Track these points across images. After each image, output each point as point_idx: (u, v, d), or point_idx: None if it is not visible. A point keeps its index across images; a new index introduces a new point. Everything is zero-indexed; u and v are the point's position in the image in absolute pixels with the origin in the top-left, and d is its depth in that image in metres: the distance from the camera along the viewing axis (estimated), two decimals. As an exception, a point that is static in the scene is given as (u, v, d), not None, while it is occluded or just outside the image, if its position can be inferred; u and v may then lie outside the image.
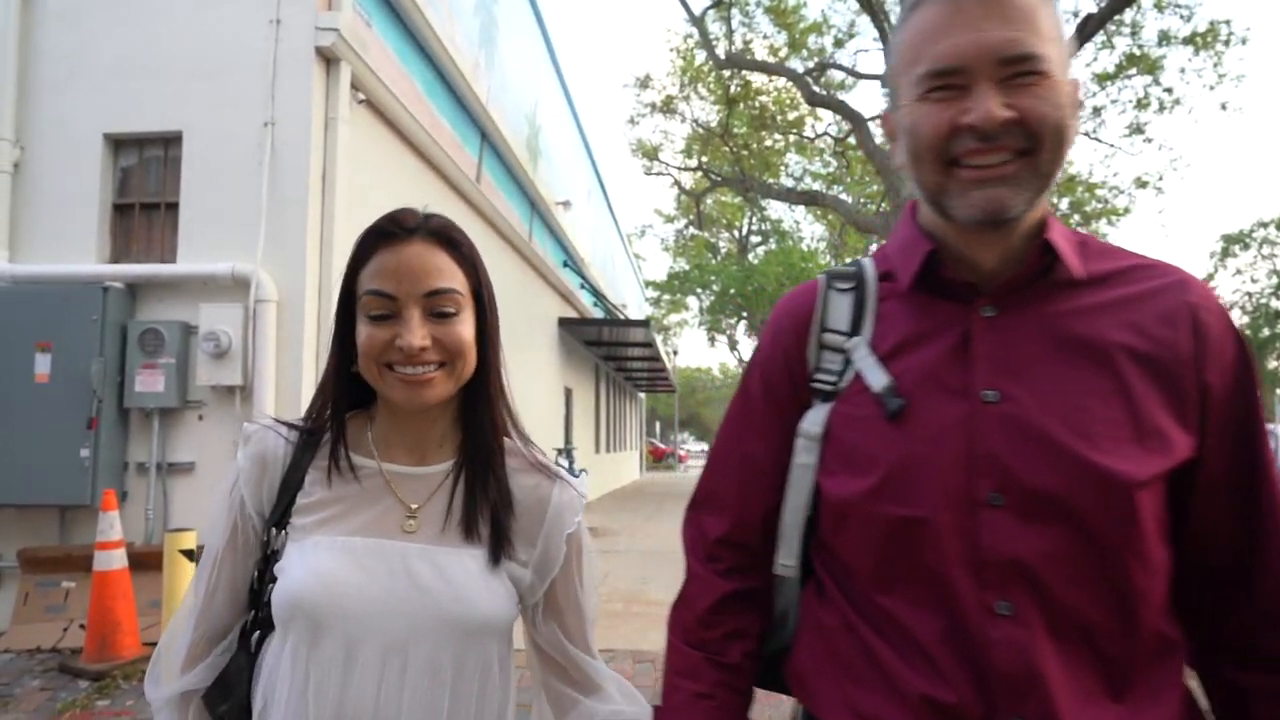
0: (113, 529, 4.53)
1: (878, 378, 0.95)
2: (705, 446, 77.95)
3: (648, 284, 31.08)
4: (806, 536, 1.05)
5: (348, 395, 1.10)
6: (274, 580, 1.02)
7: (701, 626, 1.07)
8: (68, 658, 4.55)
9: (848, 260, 1.11)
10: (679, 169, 23.33)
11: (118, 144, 5.69)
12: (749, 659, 1.08)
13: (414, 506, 1.07)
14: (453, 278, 1.04)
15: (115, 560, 4.49)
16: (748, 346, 32.64)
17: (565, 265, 14.54)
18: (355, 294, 1.04)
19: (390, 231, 1.03)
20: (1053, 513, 0.85)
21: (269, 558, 1.05)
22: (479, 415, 1.12)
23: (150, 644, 4.59)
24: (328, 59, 5.62)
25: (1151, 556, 0.86)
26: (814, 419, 1.01)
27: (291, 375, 5.38)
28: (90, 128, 5.58)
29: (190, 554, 4.24)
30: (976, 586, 0.86)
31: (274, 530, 1.05)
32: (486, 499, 1.08)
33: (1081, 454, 0.84)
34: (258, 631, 1.06)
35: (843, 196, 19.38)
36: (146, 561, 4.79)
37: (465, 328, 1.05)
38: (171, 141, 5.62)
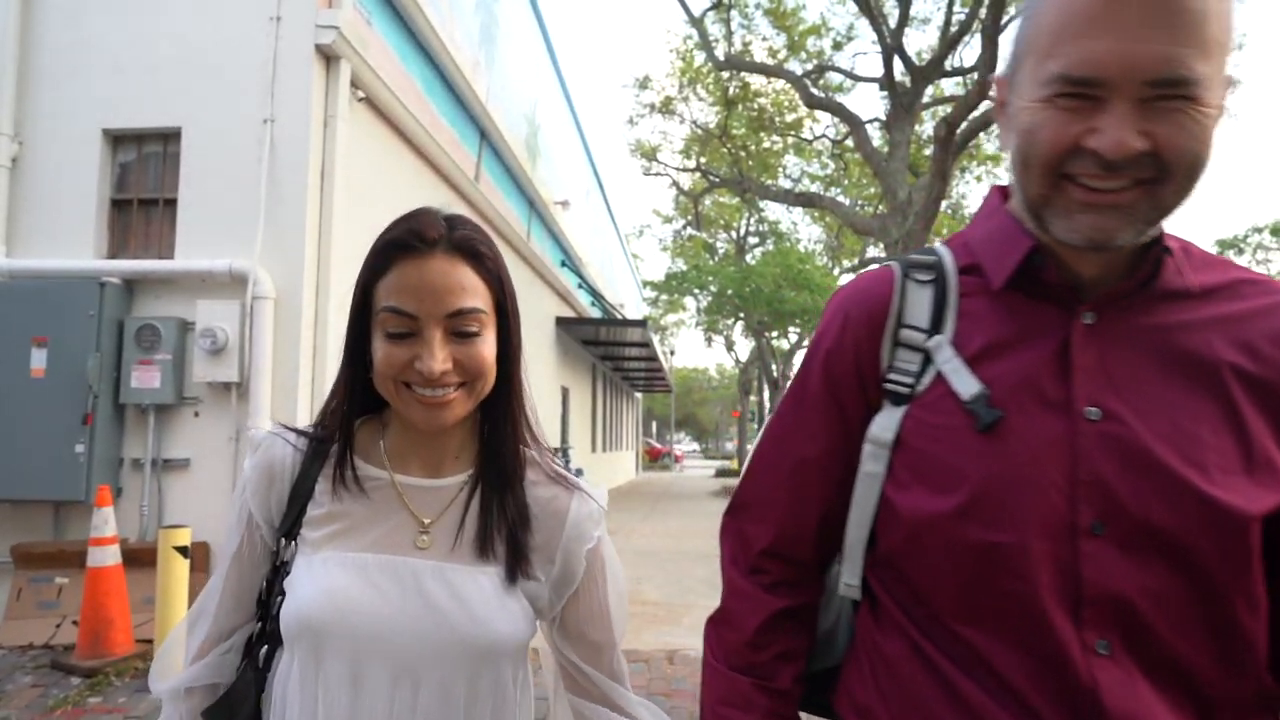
0: (107, 525, 4.52)
1: (967, 384, 0.85)
2: (698, 447, 77.94)
3: (645, 284, 31.09)
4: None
5: (360, 402, 1.06)
6: (282, 594, 0.99)
7: (750, 649, 0.98)
8: (60, 654, 4.55)
9: (919, 249, 0.98)
10: (677, 169, 23.35)
11: (116, 139, 5.68)
12: (798, 683, 1.00)
13: (427, 521, 1.03)
14: (476, 295, 0.98)
15: (109, 556, 4.48)
16: (744, 347, 32.63)
17: (563, 265, 14.55)
18: (371, 305, 0.99)
19: (410, 245, 0.96)
20: (1159, 546, 0.77)
21: (278, 569, 1.03)
22: (498, 427, 1.07)
23: (143, 640, 4.58)
24: (327, 56, 5.62)
25: (1259, 598, 0.79)
26: (884, 424, 0.91)
27: (288, 372, 5.37)
28: (89, 123, 5.57)
29: (184, 550, 4.23)
30: (1073, 623, 0.78)
31: (284, 540, 1.02)
32: (503, 514, 1.04)
33: (1194, 484, 0.77)
34: (265, 646, 1.03)
35: (840, 199, 19.40)
36: (140, 558, 4.79)
37: (487, 347, 1.00)
38: (170, 137, 5.61)
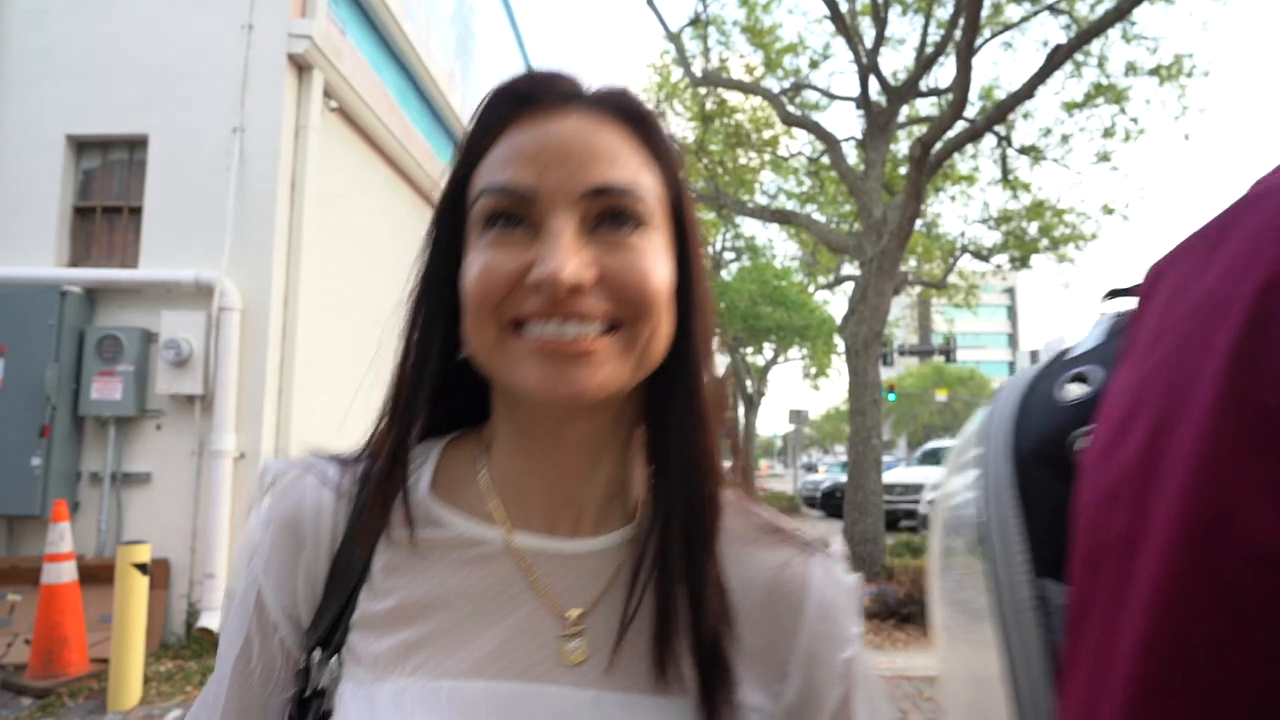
0: (63, 541, 4.40)
1: None
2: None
3: (621, 298, 31.18)
4: None
5: (444, 399, 0.63)
6: None
7: None
8: (11, 674, 4.41)
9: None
10: (654, 184, 23.39)
11: (81, 146, 5.58)
12: None
13: (574, 613, 0.58)
14: (638, 171, 0.57)
15: (64, 573, 4.36)
16: (719, 363, 32.77)
17: (538, 278, 14.51)
18: (465, 206, 0.58)
19: (532, 95, 0.57)
20: None
21: (305, 703, 0.59)
22: (680, 439, 0.59)
23: (99, 660, 4.45)
24: (300, 66, 5.56)
25: None
26: None
27: (254, 385, 5.28)
28: (53, 129, 5.47)
29: (144, 568, 4.12)
30: None
31: (318, 653, 0.59)
32: (698, 601, 0.57)
33: None
34: None
35: (816, 216, 19.55)
36: (98, 575, 4.66)
37: (657, 260, 0.56)
38: (137, 145, 5.52)
